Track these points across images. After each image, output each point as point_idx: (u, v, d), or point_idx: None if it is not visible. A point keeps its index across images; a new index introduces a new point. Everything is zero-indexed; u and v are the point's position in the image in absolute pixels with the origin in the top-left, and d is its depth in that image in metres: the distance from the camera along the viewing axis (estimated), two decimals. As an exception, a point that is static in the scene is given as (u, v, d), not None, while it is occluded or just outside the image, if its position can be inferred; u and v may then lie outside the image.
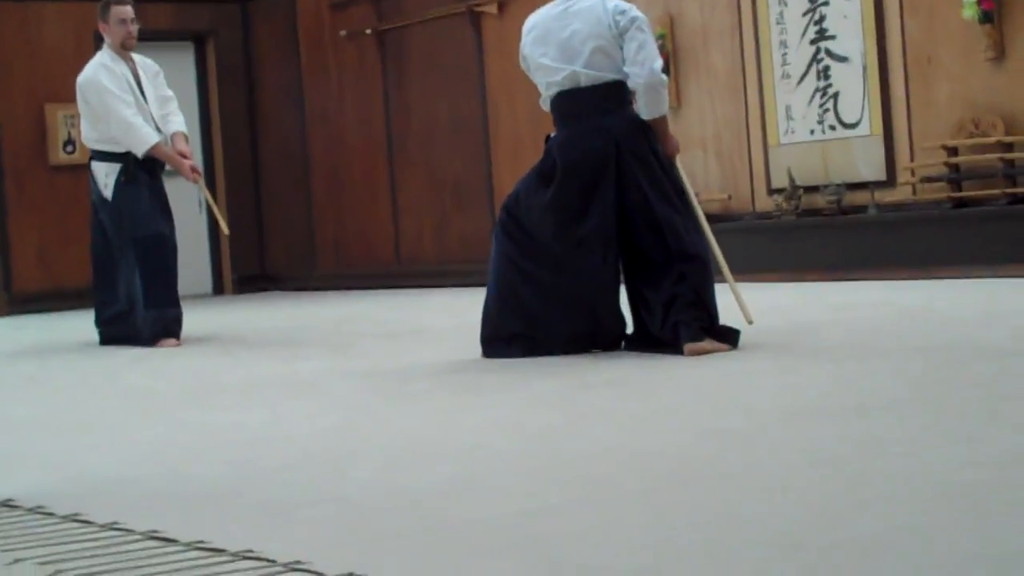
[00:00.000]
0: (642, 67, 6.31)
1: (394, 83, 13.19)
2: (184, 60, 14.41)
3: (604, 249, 6.35)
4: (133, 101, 8.69)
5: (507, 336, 6.49)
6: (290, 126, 14.35)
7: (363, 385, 5.99)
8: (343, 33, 13.55)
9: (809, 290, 9.13)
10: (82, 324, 11.19)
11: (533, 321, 6.45)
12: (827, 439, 3.87)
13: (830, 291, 8.92)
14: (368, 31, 13.30)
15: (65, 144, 13.49)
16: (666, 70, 10.94)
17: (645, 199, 6.32)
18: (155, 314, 8.53)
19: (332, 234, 13.99)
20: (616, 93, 6.43)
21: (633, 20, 6.38)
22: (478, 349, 6.56)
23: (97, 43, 13.56)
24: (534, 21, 6.66)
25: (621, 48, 6.38)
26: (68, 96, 13.51)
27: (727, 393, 5.01)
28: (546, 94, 6.59)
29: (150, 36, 13.50)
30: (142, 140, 8.60)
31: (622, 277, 6.47)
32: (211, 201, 9.36)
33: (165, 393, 6.27)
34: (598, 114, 6.40)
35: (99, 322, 8.96)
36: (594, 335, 6.44)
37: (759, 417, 4.36)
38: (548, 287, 6.42)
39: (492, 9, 12.29)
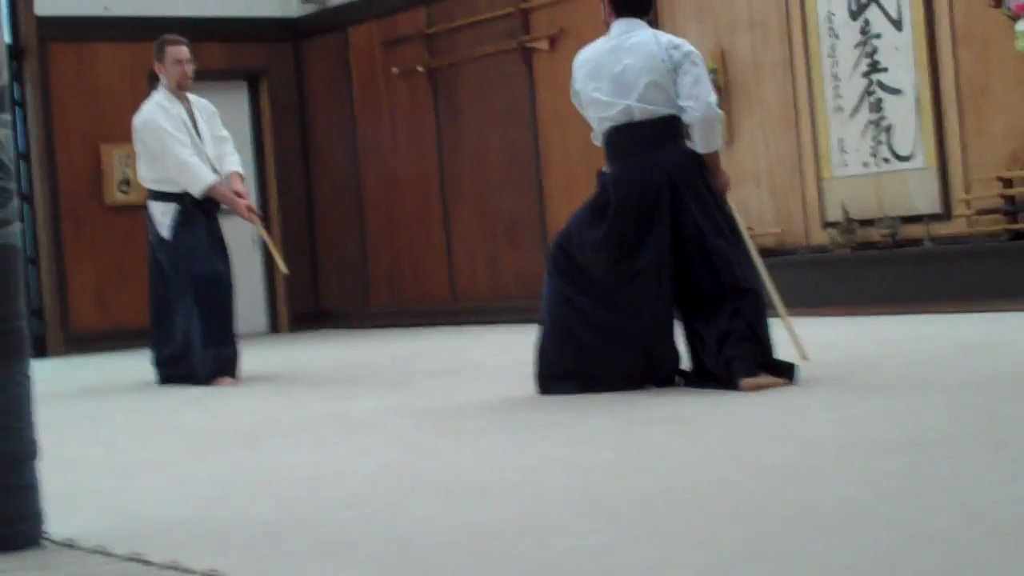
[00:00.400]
0: (697, 101, 6.32)
1: (446, 119, 13.23)
2: (238, 99, 14.50)
3: (658, 284, 6.34)
4: (189, 141, 8.73)
5: (562, 373, 6.48)
6: (343, 163, 14.40)
7: (418, 423, 6.00)
8: (395, 70, 13.60)
9: (864, 324, 9.08)
10: (139, 364, 11.24)
11: (588, 358, 6.43)
12: (885, 474, 3.85)
13: (886, 325, 8.87)
14: (420, 68, 13.35)
15: (121, 184, 13.58)
16: (719, 104, 10.94)
17: (699, 233, 6.31)
18: (212, 353, 8.54)
19: (386, 270, 14.02)
20: (670, 127, 6.43)
21: (687, 55, 6.38)
22: (532, 386, 6.55)
23: (152, 83, 13.67)
24: (586, 56, 6.67)
25: (675, 82, 6.37)
26: (123, 136, 13.62)
27: (783, 428, 4.99)
28: (598, 129, 6.59)
29: (204, 76, 13.58)
30: (199, 180, 8.64)
31: (677, 312, 6.46)
32: (269, 241, 9.43)
33: (222, 432, 6.29)
34: (652, 149, 6.39)
35: (157, 362, 8.98)
36: (649, 371, 6.42)
37: (816, 452, 4.34)
38: (602, 323, 6.41)
39: (543, 45, 12.32)
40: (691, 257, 6.32)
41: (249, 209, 8.86)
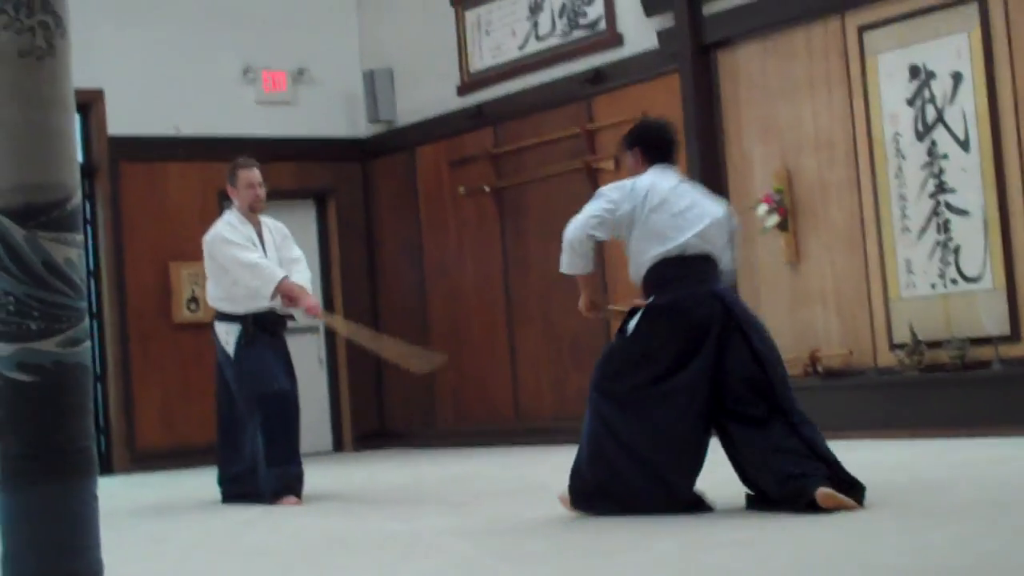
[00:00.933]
0: (735, 260, 6.91)
1: (512, 239, 13.29)
2: (306, 217, 14.62)
3: (688, 403, 6.39)
4: (255, 251, 8.83)
5: (595, 492, 6.54)
6: (409, 281, 14.46)
7: (481, 544, 5.96)
8: (462, 190, 13.69)
9: (933, 447, 8.99)
10: (204, 482, 11.26)
11: (619, 479, 6.47)
12: (956, 602, 3.79)
13: (954, 448, 8.78)
14: (487, 188, 13.43)
15: (189, 302, 13.68)
16: (784, 225, 10.96)
17: (756, 359, 6.35)
18: (277, 472, 8.54)
19: (451, 389, 14.01)
20: (715, 265, 6.69)
21: (738, 226, 7.03)
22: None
23: (222, 202, 13.84)
24: (651, 186, 6.74)
25: (727, 243, 6.82)
26: (193, 255, 13.73)
27: (850, 553, 4.92)
28: (643, 259, 6.67)
29: (272, 195, 13.63)
30: (270, 277, 8.68)
31: (714, 437, 6.49)
32: (340, 322, 9.41)
33: (285, 552, 6.28)
34: (703, 280, 6.58)
35: (222, 480, 8.99)
36: (664, 495, 6.43)
37: (885, 578, 4.28)
38: (629, 442, 6.46)
39: (609, 165, 12.38)
40: (739, 382, 6.34)
41: (316, 306, 8.90)
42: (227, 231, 8.87)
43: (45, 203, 3.76)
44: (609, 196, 6.77)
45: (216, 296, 8.94)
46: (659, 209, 6.65)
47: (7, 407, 3.77)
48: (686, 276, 6.56)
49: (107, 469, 12.98)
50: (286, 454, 8.60)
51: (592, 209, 6.75)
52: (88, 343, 3.84)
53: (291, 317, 9.13)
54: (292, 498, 8.50)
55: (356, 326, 9.46)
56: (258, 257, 8.77)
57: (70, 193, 3.80)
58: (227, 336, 8.83)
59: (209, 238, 8.94)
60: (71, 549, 3.73)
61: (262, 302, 8.77)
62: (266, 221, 9.11)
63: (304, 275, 9.02)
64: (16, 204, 3.74)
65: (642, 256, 6.68)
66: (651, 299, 6.64)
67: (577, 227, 6.78)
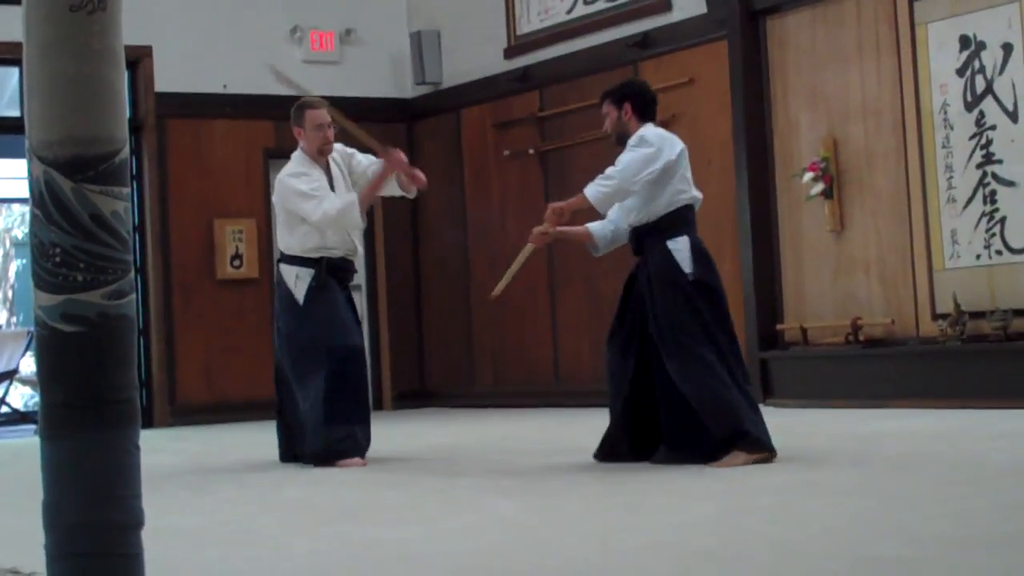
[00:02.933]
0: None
1: (556, 202, 13.27)
2: (350, 178, 14.64)
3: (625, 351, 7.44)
4: (328, 196, 8.28)
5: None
6: (452, 243, 14.49)
7: (520, 503, 5.99)
8: (506, 153, 13.69)
9: (973, 417, 8.97)
10: (243, 437, 11.34)
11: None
12: (991, 570, 3.79)
13: (995, 419, 8.76)
14: (531, 151, 13.43)
15: (232, 259, 13.74)
16: (829, 193, 10.93)
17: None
18: (339, 431, 8.05)
19: (491, 351, 14.04)
20: None
21: None
22: (636, 469, 6.54)
23: (267, 161, 13.88)
24: (676, 138, 7.61)
25: None
26: (237, 212, 13.85)
27: (890, 520, 4.93)
28: (674, 199, 7.36)
29: (318, 154, 13.79)
30: (350, 203, 8.22)
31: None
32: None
33: (324, 507, 6.32)
34: None
35: (281, 435, 8.55)
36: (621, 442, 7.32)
37: (921, 545, 4.28)
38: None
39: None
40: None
41: (396, 158, 8.51)
42: (300, 179, 8.34)
43: (94, 156, 3.77)
44: (661, 148, 7.38)
45: (290, 245, 8.42)
46: (685, 158, 7.49)
47: (51, 357, 3.79)
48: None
49: (147, 423, 13.06)
50: (351, 412, 8.11)
51: (653, 159, 7.32)
52: (133, 296, 3.85)
53: (354, 270, 8.64)
54: (354, 460, 8.02)
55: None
56: (331, 201, 8.21)
57: (119, 146, 3.81)
58: (297, 280, 8.29)
59: (280, 185, 8.44)
60: (112, 498, 3.75)
61: (338, 249, 8.33)
62: (332, 156, 8.55)
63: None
64: (65, 157, 3.76)
65: (675, 197, 7.36)
66: (681, 239, 7.34)
67: (636, 174, 7.33)
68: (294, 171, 8.43)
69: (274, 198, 8.59)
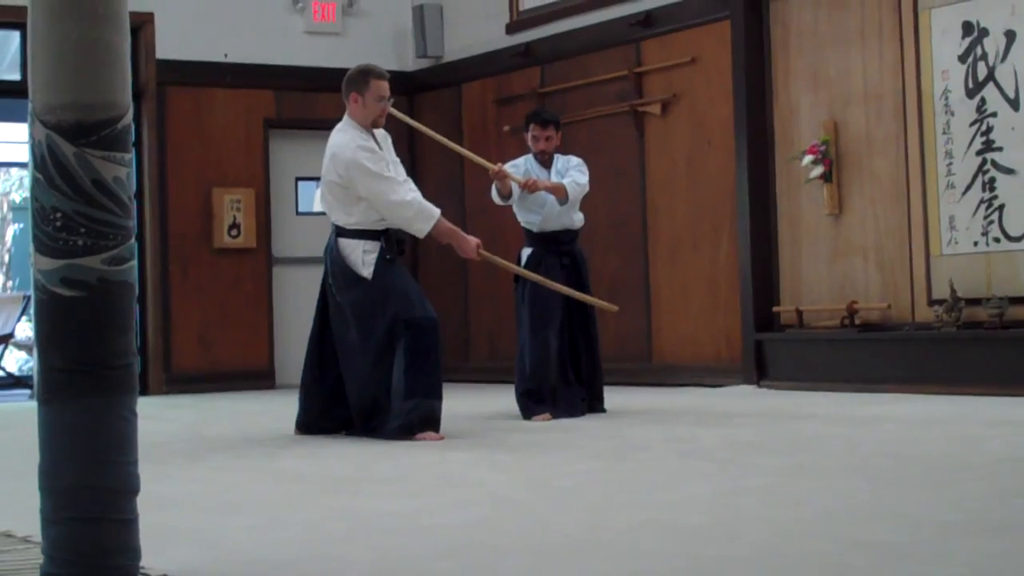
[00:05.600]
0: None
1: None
2: (349, 150, 14.63)
3: None
4: (401, 181, 8.08)
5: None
6: (449, 217, 14.34)
7: (513, 478, 6.00)
8: (507, 128, 13.68)
9: (968, 404, 8.99)
10: (238, 405, 11.35)
11: None
12: (984, 556, 3.80)
13: (990, 406, 8.78)
14: (531, 127, 13.40)
15: (230, 228, 13.74)
16: (828, 176, 10.93)
17: None
18: (420, 404, 7.86)
19: (487, 326, 14.06)
20: None
21: None
22: (630, 448, 6.54)
23: (267, 130, 13.87)
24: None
25: None
26: (236, 181, 13.85)
27: (881, 503, 4.94)
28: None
29: (319, 125, 13.77)
30: (427, 216, 8.03)
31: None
32: (503, 262, 8.72)
33: (318, 478, 6.33)
34: None
35: (309, 405, 8.31)
36: None
37: (913, 530, 4.29)
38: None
39: (655, 110, 12.35)
40: None
41: (478, 245, 8.28)
42: (368, 159, 7.99)
43: (96, 121, 3.77)
44: None
45: (349, 221, 8.08)
46: None
47: (50, 321, 3.79)
48: None
49: (142, 390, 13.07)
50: (429, 386, 7.92)
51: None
52: (134, 262, 3.85)
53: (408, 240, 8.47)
54: (432, 433, 7.83)
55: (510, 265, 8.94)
56: (409, 191, 8.03)
57: (122, 112, 3.81)
58: (363, 255, 7.99)
59: (344, 164, 7.99)
60: (108, 463, 3.76)
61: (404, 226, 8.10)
62: (375, 132, 8.27)
63: (414, 186, 8.27)
64: (68, 121, 3.76)
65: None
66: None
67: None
68: (357, 144, 8.05)
69: (331, 175, 8.10)
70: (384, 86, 8.17)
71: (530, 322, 9.20)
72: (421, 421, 7.84)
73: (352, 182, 7.98)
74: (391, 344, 7.94)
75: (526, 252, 9.41)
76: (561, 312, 9.22)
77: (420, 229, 8.04)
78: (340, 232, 8.11)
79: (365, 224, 8.05)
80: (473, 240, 8.30)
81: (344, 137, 8.11)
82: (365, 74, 8.17)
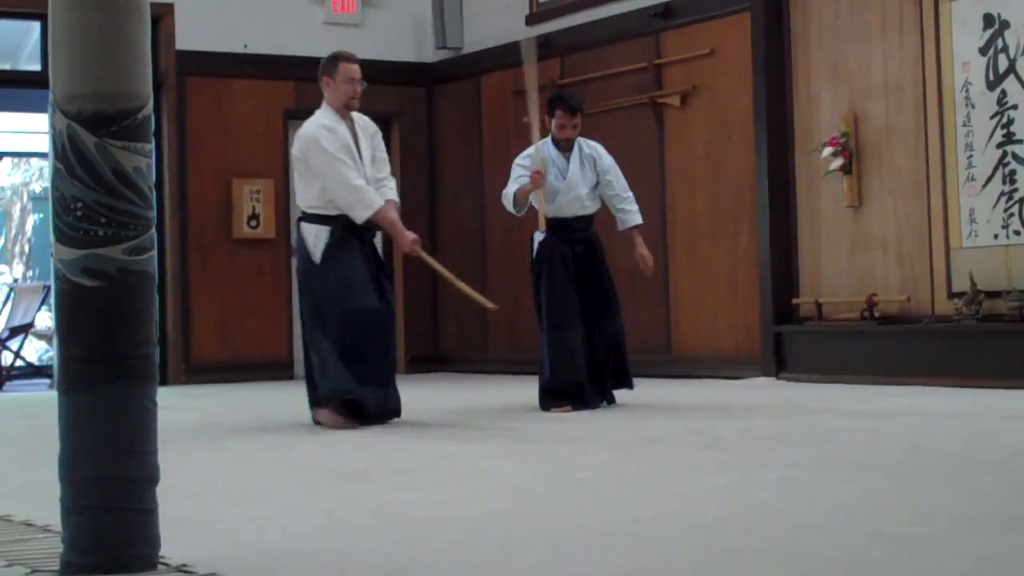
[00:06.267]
0: None
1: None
2: (369, 140, 14.65)
3: None
4: (353, 164, 8.31)
5: None
6: (469, 208, 14.49)
7: (532, 469, 6.00)
8: (525, 120, 13.65)
9: (987, 397, 8.97)
10: (257, 395, 11.38)
11: None
12: (1001, 549, 3.80)
13: (1009, 399, 8.76)
14: (551, 119, 13.39)
15: (249, 219, 13.76)
16: (848, 168, 10.91)
17: None
18: (345, 392, 8.15)
19: (506, 317, 14.05)
20: None
21: None
22: (648, 440, 6.54)
23: (287, 121, 13.89)
24: None
25: None
26: (255, 172, 13.86)
27: (901, 497, 4.94)
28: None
29: (337, 116, 13.76)
30: (367, 204, 8.24)
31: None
32: (439, 267, 8.89)
33: (337, 469, 6.34)
34: None
35: (310, 390, 8.49)
36: None
37: (930, 523, 4.29)
38: None
39: (675, 101, 12.34)
40: None
41: (415, 242, 8.47)
42: (325, 138, 8.29)
43: (117, 112, 3.79)
44: None
45: (307, 200, 8.41)
46: None
47: (70, 311, 3.81)
48: None
49: (162, 380, 13.10)
50: (359, 374, 8.13)
51: None
52: (154, 252, 3.87)
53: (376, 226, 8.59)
54: (340, 419, 8.15)
55: (442, 268, 8.96)
56: (357, 178, 8.25)
57: (142, 102, 3.83)
58: (315, 239, 8.29)
59: (304, 139, 8.36)
60: (128, 453, 3.78)
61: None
62: (357, 118, 8.55)
63: (392, 184, 8.58)
64: (88, 111, 3.77)
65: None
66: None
67: None
68: (321, 123, 8.39)
69: (294, 151, 8.49)
70: (352, 68, 8.49)
71: (548, 324, 9.07)
72: (343, 408, 8.18)
73: (308, 157, 8.33)
74: (328, 330, 8.19)
75: (538, 236, 9.22)
76: (579, 306, 9.11)
77: (358, 215, 8.29)
78: (302, 216, 8.45)
79: (320, 207, 8.34)
80: (410, 236, 8.51)
81: (313, 117, 8.51)
82: (334, 58, 8.55)
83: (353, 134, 8.45)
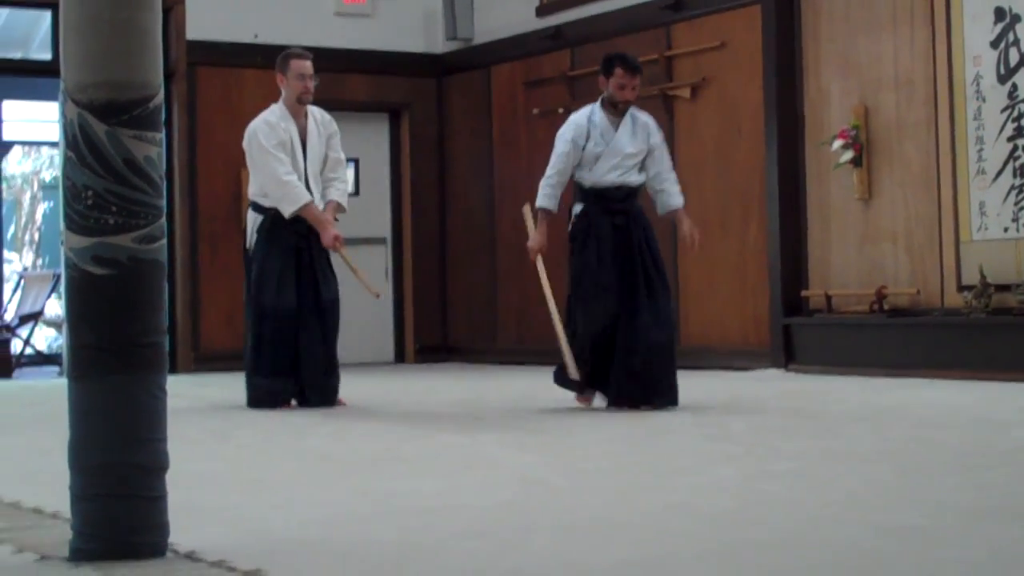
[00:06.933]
0: None
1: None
2: (379, 131, 14.66)
3: None
4: (288, 160, 8.74)
5: None
6: (479, 200, 14.49)
7: (540, 459, 6.01)
8: (536, 111, 13.67)
9: (996, 390, 8.96)
10: (266, 385, 11.34)
11: None
12: (1010, 541, 3.80)
13: (1018, 392, 8.76)
14: (560, 110, 13.39)
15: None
16: (858, 161, 10.90)
17: None
18: (259, 381, 8.80)
19: (515, 309, 14.06)
20: None
21: None
22: (657, 431, 6.54)
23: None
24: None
25: None
26: (265, 161, 13.84)
27: (909, 489, 4.94)
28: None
29: (347, 106, 13.77)
30: (293, 199, 8.64)
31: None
32: (353, 268, 8.99)
33: (346, 457, 6.35)
34: None
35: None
36: None
37: (939, 515, 4.29)
38: None
39: (685, 93, 12.33)
40: None
41: (336, 239, 8.75)
42: (263, 133, 8.78)
43: (128, 100, 3.79)
44: None
45: (253, 191, 8.92)
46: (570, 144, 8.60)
47: (81, 299, 3.82)
48: None
49: (171, 368, 13.08)
50: (269, 365, 8.75)
51: None
52: (164, 241, 3.87)
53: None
54: (276, 409, 8.65)
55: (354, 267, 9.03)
56: (286, 173, 8.66)
57: (153, 91, 3.83)
58: (251, 228, 8.84)
59: (248, 133, 8.90)
60: (138, 441, 3.78)
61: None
62: (315, 113, 8.98)
63: (342, 186, 9.00)
64: (99, 100, 3.78)
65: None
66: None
67: None
68: (265, 119, 8.86)
69: (243, 143, 8.94)
70: (303, 65, 8.88)
71: (575, 297, 8.48)
72: (255, 399, 8.76)
73: (249, 150, 8.84)
74: (248, 322, 8.91)
75: (577, 208, 8.57)
76: (616, 284, 8.26)
77: (285, 209, 8.66)
78: (251, 206, 8.92)
79: (259, 197, 8.81)
80: (333, 232, 8.73)
81: (263, 113, 8.98)
82: (286, 56, 8.96)
83: (303, 130, 8.85)
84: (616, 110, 8.48)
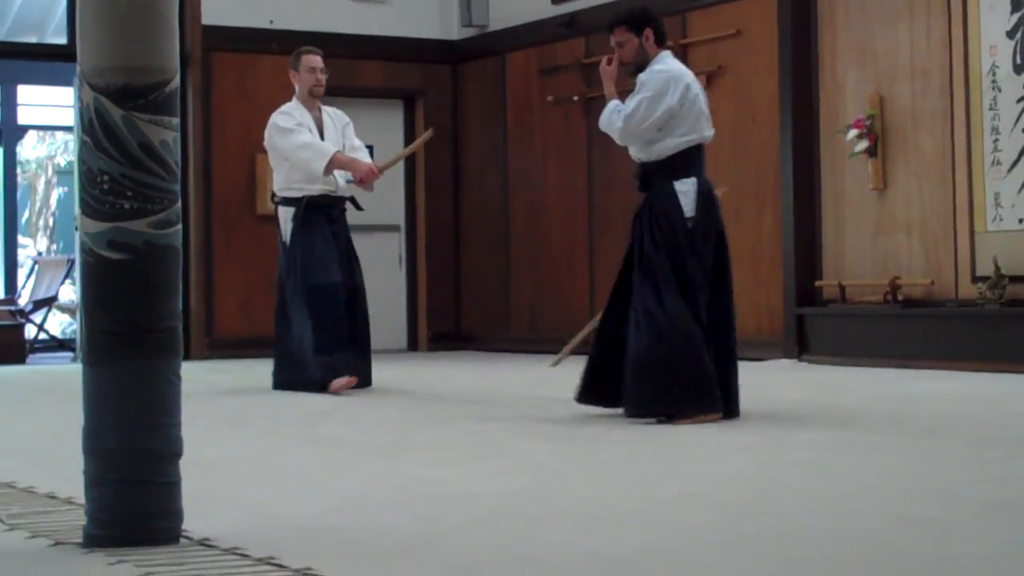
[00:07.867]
0: None
1: (598, 150, 13.23)
2: (393, 118, 14.64)
3: None
4: (306, 132, 9.03)
5: None
6: (493, 187, 14.47)
7: (554, 448, 6.01)
8: (550, 99, 13.65)
9: (1010, 381, 8.94)
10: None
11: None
12: (1027, 534, 3.80)
13: (1032, 383, 8.74)
14: (575, 98, 13.39)
15: (273, 195, 13.74)
16: (873, 151, 10.88)
17: None
18: (324, 360, 8.79)
19: (528, 297, 14.05)
20: None
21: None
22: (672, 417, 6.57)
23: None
24: (689, 76, 7.36)
25: None
26: (280, 148, 13.83)
27: (926, 481, 4.93)
28: (675, 142, 7.16)
29: (362, 93, 13.77)
30: (321, 153, 8.89)
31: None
32: (401, 154, 9.74)
33: (360, 444, 6.35)
34: None
35: (276, 365, 9.29)
36: None
37: (956, 507, 4.28)
38: None
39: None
40: None
41: (371, 170, 9.02)
42: (280, 120, 9.11)
43: (144, 85, 3.79)
44: (663, 93, 7.20)
45: (278, 184, 9.17)
46: (699, 99, 7.24)
47: (96, 284, 3.82)
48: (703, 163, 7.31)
49: (185, 355, 13.08)
50: (333, 342, 8.80)
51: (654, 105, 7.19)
52: (179, 226, 3.87)
53: (351, 200, 9.29)
54: (342, 379, 8.75)
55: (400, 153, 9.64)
56: (309, 138, 8.96)
57: (169, 76, 3.83)
58: (284, 221, 9.06)
59: (267, 128, 9.19)
60: (152, 426, 3.79)
61: (318, 184, 9.00)
62: (327, 109, 9.35)
63: (365, 155, 9.29)
64: (115, 85, 3.78)
65: (670, 141, 7.15)
66: (690, 180, 7.13)
67: (640, 123, 7.26)
68: (280, 111, 9.19)
69: (264, 141, 9.25)
70: (313, 59, 9.28)
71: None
72: (328, 374, 8.78)
73: (271, 141, 9.13)
74: (301, 307, 8.89)
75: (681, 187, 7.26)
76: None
77: (319, 167, 8.89)
78: (278, 201, 9.18)
79: (286, 189, 9.08)
80: (366, 167, 9.03)
81: (276, 111, 9.28)
82: (297, 52, 9.38)
83: (319, 121, 9.19)
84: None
